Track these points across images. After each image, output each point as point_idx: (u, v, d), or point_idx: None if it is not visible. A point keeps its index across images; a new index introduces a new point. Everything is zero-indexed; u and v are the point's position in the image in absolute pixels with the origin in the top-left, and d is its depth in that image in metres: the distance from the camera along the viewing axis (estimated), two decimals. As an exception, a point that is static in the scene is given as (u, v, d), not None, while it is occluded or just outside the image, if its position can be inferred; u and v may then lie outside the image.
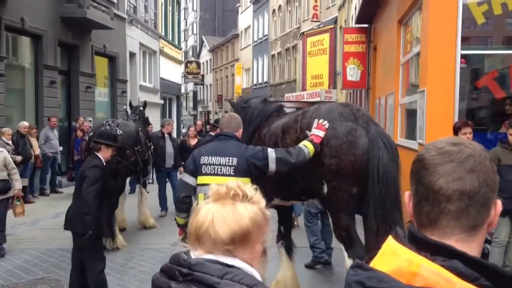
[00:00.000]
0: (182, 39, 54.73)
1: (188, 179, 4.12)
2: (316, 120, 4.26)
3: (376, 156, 3.98)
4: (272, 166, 3.99)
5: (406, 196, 1.21)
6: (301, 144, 4.15)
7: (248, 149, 4.07)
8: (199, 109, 59.65)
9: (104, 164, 5.00)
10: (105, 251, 6.98)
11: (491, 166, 1.11)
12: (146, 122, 9.26)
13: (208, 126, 14.05)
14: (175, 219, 4.34)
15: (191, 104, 62.87)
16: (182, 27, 55.17)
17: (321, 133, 4.16)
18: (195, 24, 62.42)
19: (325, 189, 4.23)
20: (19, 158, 10.28)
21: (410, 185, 1.19)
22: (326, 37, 23.63)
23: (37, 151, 11.51)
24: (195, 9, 61.91)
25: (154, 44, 23.29)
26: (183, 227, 4.23)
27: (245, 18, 44.08)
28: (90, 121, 14.36)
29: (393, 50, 9.32)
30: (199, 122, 11.28)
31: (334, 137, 4.15)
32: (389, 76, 9.84)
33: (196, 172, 4.06)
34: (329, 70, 23.68)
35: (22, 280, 5.95)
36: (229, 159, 3.96)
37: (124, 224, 8.31)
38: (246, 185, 1.44)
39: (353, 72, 13.91)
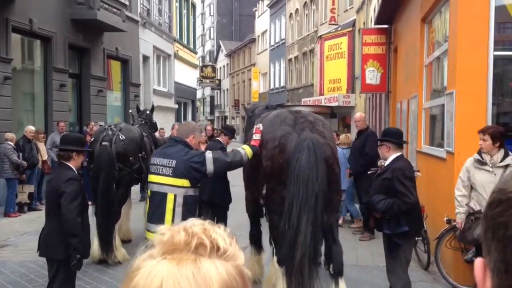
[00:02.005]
0: (199, 44, 54.70)
1: None
2: (255, 126, 4.70)
3: (295, 158, 4.20)
4: (210, 166, 4.32)
5: (478, 266, 0.68)
6: (239, 147, 4.61)
7: (188, 153, 4.40)
8: (216, 114, 59.40)
9: (77, 173, 4.42)
10: (106, 266, 6.60)
11: None
12: (153, 127, 8.81)
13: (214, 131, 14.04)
14: None
15: (208, 109, 62.68)
16: (199, 32, 55.17)
17: (258, 136, 4.61)
18: (212, 29, 62.31)
19: (264, 190, 4.59)
20: (24, 163, 9.97)
21: (484, 249, 0.66)
22: (344, 40, 23.08)
23: (45, 156, 11.18)
24: (212, 14, 61.80)
25: (168, 48, 22.95)
26: None
27: (262, 22, 43.70)
28: (100, 125, 14.02)
29: (416, 51, 8.73)
30: (208, 128, 10.65)
31: (271, 140, 4.50)
32: (411, 79, 9.25)
33: (148, 170, 4.61)
34: (347, 74, 23.11)
35: (12, 298, 5.51)
36: (169, 161, 4.34)
37: (129, 235, 7.85)
38: (217, 229, 0.87)
39: (372, 75, 13.29)
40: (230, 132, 7.29)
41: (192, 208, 4.43)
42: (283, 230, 4.21)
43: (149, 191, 4.54)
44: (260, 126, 4.65)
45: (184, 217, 4.13)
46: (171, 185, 4.32)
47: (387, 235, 4.84)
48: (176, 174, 4.31)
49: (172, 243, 0.84)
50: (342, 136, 9.95)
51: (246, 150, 4.52)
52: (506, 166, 5.07)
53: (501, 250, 0.63)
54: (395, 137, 4.99)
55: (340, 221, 8.84)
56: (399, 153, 4.89)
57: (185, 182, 4.32)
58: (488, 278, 0.66)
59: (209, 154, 4.40)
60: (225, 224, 6.85)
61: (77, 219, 4.16)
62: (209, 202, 6.96)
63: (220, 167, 4.41)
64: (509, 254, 0.62)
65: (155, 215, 4.39)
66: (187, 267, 0.80)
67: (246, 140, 5.40)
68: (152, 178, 4.46)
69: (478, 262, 0.67)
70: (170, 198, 4.29)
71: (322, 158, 4.24)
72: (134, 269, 0.83)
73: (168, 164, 4.35)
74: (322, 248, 5.00)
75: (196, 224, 0.87)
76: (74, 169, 4.38)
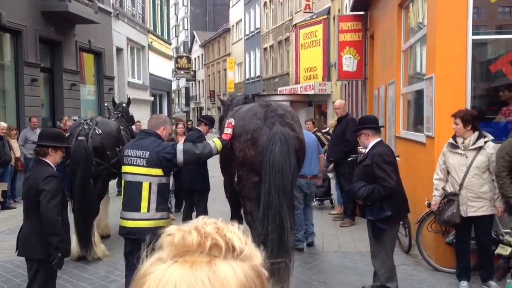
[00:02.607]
0: (173, 35, 54.02)
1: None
2: (227, 121, 5.04)
3: (269, 150, 4.56)
4: (180, 156, 4.61)
5: None
6: (210, 140, 4.98)
7: (161, 145, 4.67)
8: (192, 105, 58.97)
9: (55, 170, 4.30)
10: (85, 263, 6.46)
11: None
12: (130, 120, 8.62)
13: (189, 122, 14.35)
14: None
15: (183, 101, 62.17)
16: (173, 22, 54.45)
17: (229, 130, 4.92)
18: (185, 19, 61.61)
19: (236, 178, 5.00)
20: (-5, 161, 9.71)
21: None
22: (319, 28, 23.06)
23: (18, 153, 10.89)
24: (185, 4, 61.08)
25: (142, 39, 22.58)
26: None
27: (236, 11, 43.37)
28: (75, 120, 13.73)
29: (393, 37, 8.73)
30: (180, 126, 10.14)
31: (244, 133, 4.85)
32: (389, 65, 9.26)
33: (121, 162, 4.85)
34: (322, 62, 23.12)
35: (-12, 300, 5.35)
36: (143, 152, 4.60)
37: (108, 231, 7.69)
38: (231, 228, 0.80)
39: (349, 62, 13.29)
40: (209, 121, 7.56)
41: (165, 195, 4.79)
42: (265, 218, 4.46)
43: (122, 182, 4.79)
44: (231, 120, 4.96)
45: (159, 204, 4.62)
46: (145, 174, 4.60)
47: (370, 221, 4.85)
48: (150, 164, 4.59)
49: (183, 245, 0.76)
50: (331, 122, 10.03)
51: (216, 143, 4.84)
52: (479, 148, 5.12)
53: None
54: (372, 123, 5.03)
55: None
56: (378, 139, 4.92)
57: (158, 171, 4.60)
58: None
59: (179, 146, 4.70)
60: (206, 209, 7.05)
61: (57, 218, 4.06)
62: (189, 189, 7.13)
63: (189, 158, 4.71)
64: None
65: (131, 203, 4.63)
66: (201, 270, 0.73)
67: (221, 128, 5.71)
68: (126, 169, 4.69)
69: None
70: (145, 186, 4.58)
71: (293, 149, 4.63)
72: (143, 274, 0.76)
73: (142, 155, 4.61)
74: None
75: (208, 223, 0.80)
76: (52, 165, 4.25)
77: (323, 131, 11.94)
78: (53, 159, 4.27)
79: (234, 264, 0.75)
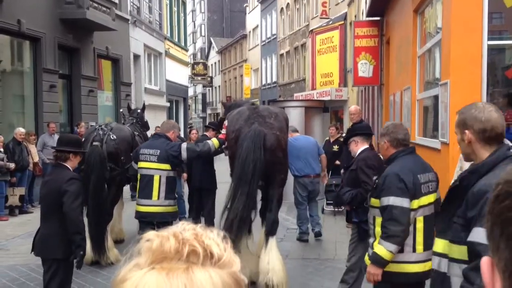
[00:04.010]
0: (191, 41, 54.43)
1: (134, 165, 6.04)
2: (224, 122, 5.93)
3: (240, 146, 5.23)
4: (184, 153, 5.64)
5: (485, 265, 0.60)
6: (209, 140, 6.11)
7: (169, 144, 5.71)
8: (208, 111, 59.23)
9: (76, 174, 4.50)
10: (99, 267, 6.51)
11: None
12: (144, 125, 8.69)
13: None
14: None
15: (200, 107, 62.50)
16: (190, 29, 54.87)
17: (224, 131, 5.83)
18: (203, 26, 62.03)
19: (230, 171, 5.83)
20: (12, 165, 9.84)
21: (491, 247, 0.58)
22: (335, 34, 22.98)
23: (36, 158, 11.05)
24: (202, 11, 61.51)
25: (159, 46, 22.78)
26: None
27: (252, 18, 43.53)
28: (92, 125, 13.88)
29: (409, 42, 8.65)
30: (194, 131, 10.87)
31: (230, 133, 5.62)
32: (404, 70, 9.18)
33: (136, 158, 5.88)
34: (339, 67, 23.03)
35: (4, 304, 5.41)
36: (155, 151, 5.65)
37: (122, 235, 7.75)
38: (209, 234, 0.79)
39: (365, 68, 13.20)
40: (216, 126, 8.48)
41: (172, 185, 5.76)
42: (228, 198, 5.20)
43: (139, 175, 5.75)
44: (225, 122, 5.81)
45: (167, 193, 5.60)
46: (156, 168, 5.60)
47: (356, 223, 4.96)
48: (160, 160, 5.58)
49: (161, 251, 0.75)
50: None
51: (213, 142, 5.85)
52: None
53: (506, 243, 0.56)
54: (363, 130, 5.26)
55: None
56: (366, 146, 5.04)
57: (167, 166, 5.62)
58: (498, 279, 0.58)
59: (183, 145, 5.78)
60: (213, 207, 7.63)
61: (80, 217, 4.29)
62: (199, 188, 7.47)
63: (191, 155, 5.73)
64: None
65: (144, 192, 5.65)
66: (178, 277, 0.72)
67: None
68: (141, 164, 5.71)
69: (485, 261, 0.59)
70: (156, 178, 5.58)
71: (259, 145, 5.16)
72: (119, 281, 0.75)
73: (154, 153, 5.61)
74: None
75: (187, 229, 0.79)
76: (71, 170, 4.38)
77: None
78: (72, 164, 4.39)
79: (212, 271, 0.74)
